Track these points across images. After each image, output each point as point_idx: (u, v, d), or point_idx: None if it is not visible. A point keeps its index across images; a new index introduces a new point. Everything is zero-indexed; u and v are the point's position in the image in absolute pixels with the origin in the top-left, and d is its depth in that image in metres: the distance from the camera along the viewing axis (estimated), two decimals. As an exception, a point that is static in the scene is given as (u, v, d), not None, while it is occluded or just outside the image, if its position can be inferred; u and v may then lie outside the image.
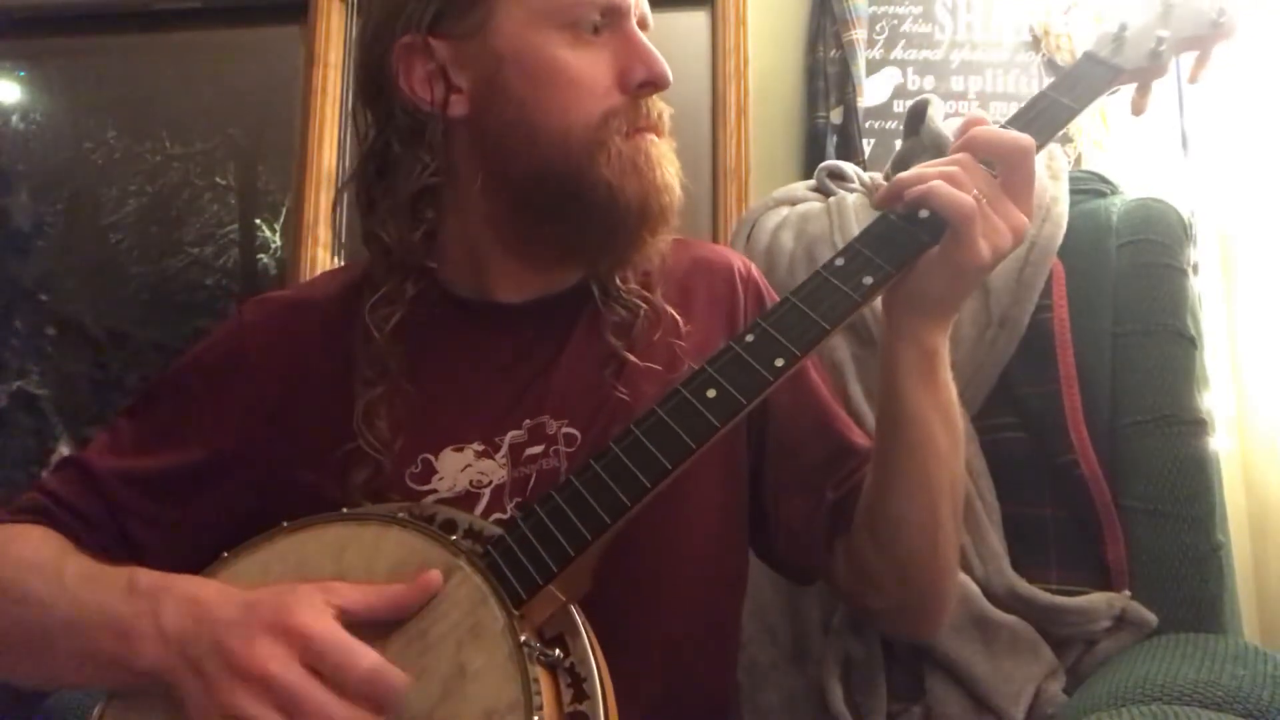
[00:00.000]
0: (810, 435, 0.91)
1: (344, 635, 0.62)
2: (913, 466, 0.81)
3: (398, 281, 0.83)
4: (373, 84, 0.85)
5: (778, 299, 0.79)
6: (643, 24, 0.84)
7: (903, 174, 0.78)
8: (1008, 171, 0.77)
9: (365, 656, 0.61)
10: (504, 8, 0.80)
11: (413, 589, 0.65)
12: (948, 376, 0.82)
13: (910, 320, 0.80)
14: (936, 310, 0.79)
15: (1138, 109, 0.88)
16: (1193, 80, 0.88)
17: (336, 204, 0.93)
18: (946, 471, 0.82)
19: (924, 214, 0.76)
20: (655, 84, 0.81)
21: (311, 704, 0.59)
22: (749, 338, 0.73)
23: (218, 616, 0.64)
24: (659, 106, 0.84)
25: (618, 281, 0.89)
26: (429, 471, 0.81)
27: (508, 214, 0.84)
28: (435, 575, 0.65)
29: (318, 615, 0.62)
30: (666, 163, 0.82)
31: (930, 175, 0.76)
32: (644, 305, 0.88)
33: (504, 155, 0.81)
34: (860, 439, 0.93)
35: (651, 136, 0.82)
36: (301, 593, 0.64)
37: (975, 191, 0.74)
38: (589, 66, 0.80)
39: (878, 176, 1.33)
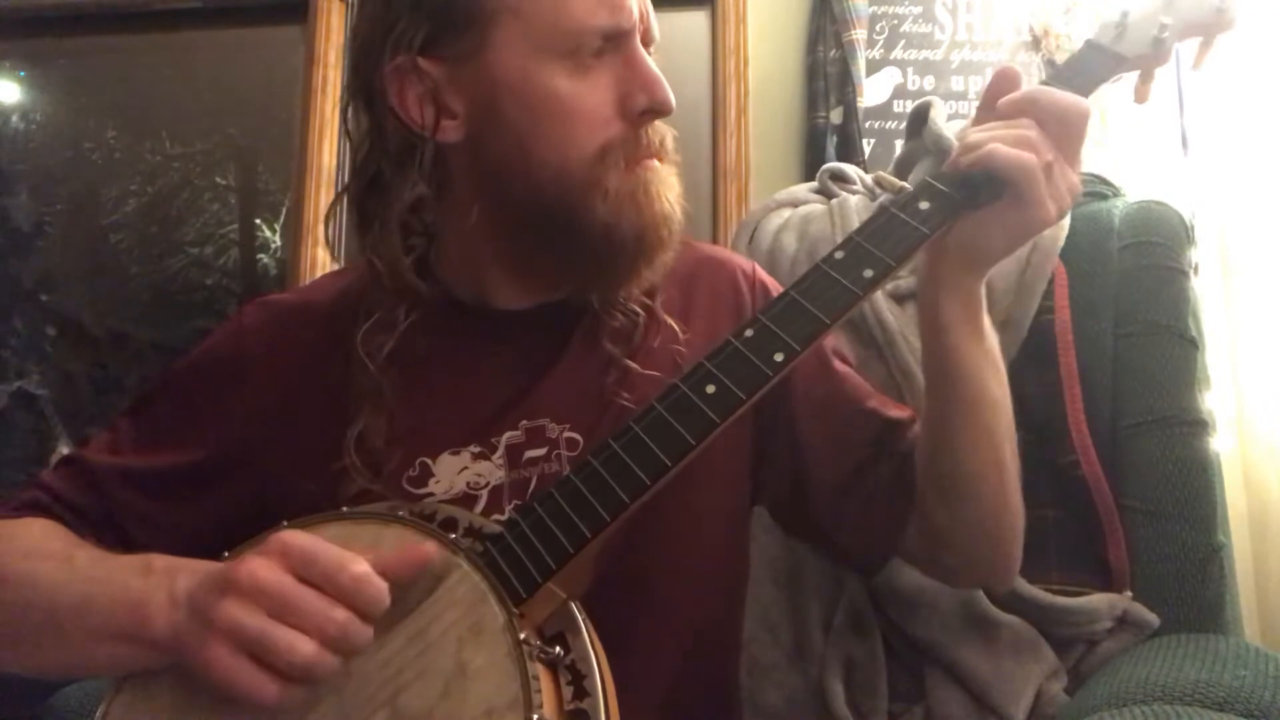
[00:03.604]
0: (852, 421, 0.90)
1: (331, 546, 0.62)
2: (972, 421, 0.81)
3: (391, 305, 0.81)
4: (363, 99, 0.83)
5: (782, 295, 0.79)
6: (647, 40, 0.82)
7: (969, 136, 0.77)
8: (1063, 133, 0.75)
9: (355, 563, 0.61)
10: (501, 32, 0.77)
11: (403, 555, 0.64)
12: (988, 323, 0.82)
13: (958, 273, 0.79)
14: (988, 262, 0.80)
15: (1141, 97, 0.87)
16: (1196, 67, 0.87)
17: (330, 215, 0.92)
18: (1004, 417, 0.82)
19: (924, 205, 0.76)
20: (657, 111, 0.79)
21: (301, 605, 0.60)
22: (748, 332, 0.72)
23: (220, 568, 0.65)
24: (661, 131, 0.82)
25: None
26: (426, 475, 0.81)
27: (504, 239, 0.83)
28: (429, 547, 0.65)
29: (307, 535, 0.63)
30: (665, 190, 0.81)
31: (993, 138, 0.75)
32: (643, 313, 0.88)
33: (500, 184, 0.80)
34: (897, 411, 0.92)
35: (653, 163, 0.81)
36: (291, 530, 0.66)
37: (1041, 151, 0.74)
38: (588, 96, 0.77)
39: (886, 176, 1.33)
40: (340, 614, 0.60)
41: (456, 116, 0.80)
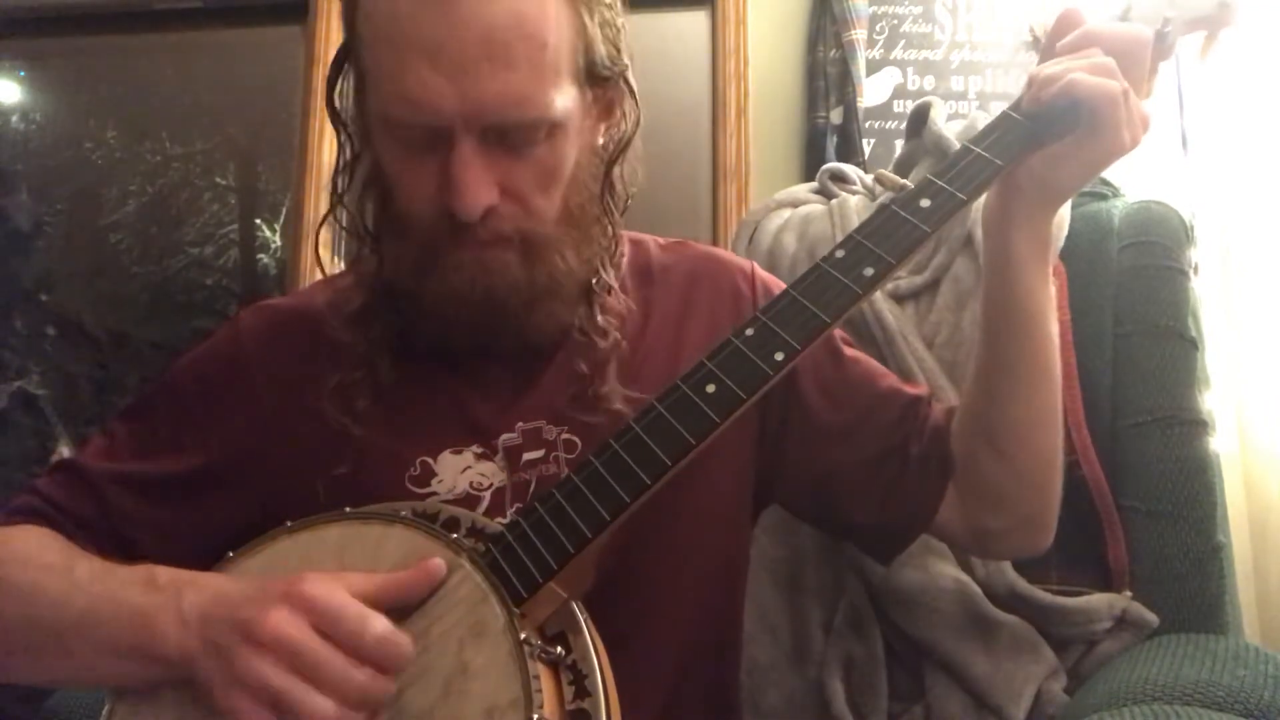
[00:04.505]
0: (873, 404, 0.91)
1: (355, 603, 0.62)
2: (1036, 363, 0.82)
3: (377, 296, 0.84)
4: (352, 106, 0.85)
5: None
6: (511, 132, 0.74)
7: (1039, 71, 0.79)
8: (1127, 64, 0.77)
9: (376, 622, 0.62)
10: (369, 92, 0.77)
11: (415, 574, 0.65)
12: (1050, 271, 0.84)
13: (1032, 208, 0.80)
14: (1061, 197, 0.82)
15: (1144, 93, 0.88)
16: (1202, 57, 0.88)
17: (332, 211, 0.92)
18: (1059, 369, 0.84)
19: (925, 203, 0.76)
20: (460, 217, 0.74)
21: (325, 666, 0.60)
22: (749, 331, 0.72)
23: (234, 596, 0.65)
24: (502, 219, 0.76)
25: (596, 314, 0.86)
26: (428, 474, 0.81)
27: None
28: (438, 563, 0.65)
29: (330, 587, 0.63)
30: (489, 276, 0.77)
31: (1070, 69, 0.76)
32: (621, 339, 0.86)
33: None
34: (913, 388, 0.93)
35: (479, 254, 0.77)
36: (312, 573, 0.65)
37: (1118, 78, 0.75)
38: (412, 176, 0.77)
39: (887, 173, 1.33)
40: (362, 676, 0.61)
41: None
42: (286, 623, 0.61)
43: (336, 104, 0.84)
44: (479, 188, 0.74)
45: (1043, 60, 0.82)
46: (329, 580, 0.64)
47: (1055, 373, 0.84)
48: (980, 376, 0.86)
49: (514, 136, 0.74)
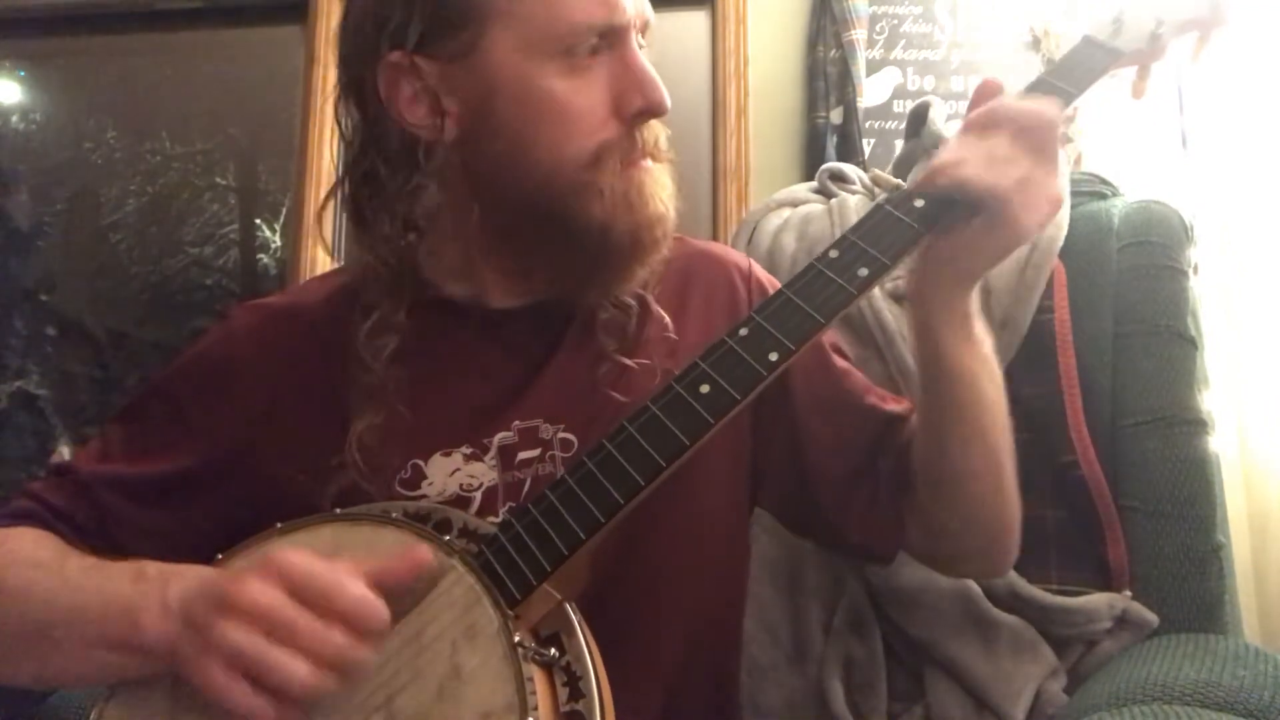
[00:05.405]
0: (855, 419, 0.90)
1: (330, 567, 0.62)
2: (964, 421, 0.80)
3: (393, 305, 0.81)
4: (356, 96, 0.83)
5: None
6: (643, 29, 0.81)
7: (940, 156, 0.76)
8: (1032, 144, 0.73)
9: (352, 584, 0.61)
10: (494, 31, 0.76)
11: (400, 562, 0.64)
12: (982, 329, 0.81)
13: (945, 288, 0.78)
14: (972, 278, 0.79)
15: (1138, 93, 0.87)
16: (1194, 59, 0.87)
17: (324, 209, 0.91)
18: (999, 417, 0.82)
19: (919, 202, 0.75)
20: (652, 112, 0.79)
21: (299, 628, 0.60)
22: (742, 331, 0.72)
23: (215, 578, 0.65)
24: (655, 131, 0.81)
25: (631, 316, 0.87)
26: (418, 477, 0.81)
27: (499, 238, 0.83)
28: (424, 551, 0.65)
29: (305, 555, 0.63)
30: (659, 190, 0.80)
31: (962, 159, 0.73)
32: (636, 304, 0.87)
33: (495, 184, 0.80)
34: (894, 404, 0.92)
35: (647, 164, 0.80)
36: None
37: (1011, 169, 0.72)
38: (583, 97, 0.77)
39: (881, 174, 1.33)
40: (337, 637, 0.60)
41: (450, 115, 0.79)
42: (259, 590, 0.61)
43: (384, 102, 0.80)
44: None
45: (964, 127, 0.78)
46: (306, 554, 0.63)
47: (991, 428, 0.81)
48: (920, 425, 0.86)
49: (643, 36, 0.80)
